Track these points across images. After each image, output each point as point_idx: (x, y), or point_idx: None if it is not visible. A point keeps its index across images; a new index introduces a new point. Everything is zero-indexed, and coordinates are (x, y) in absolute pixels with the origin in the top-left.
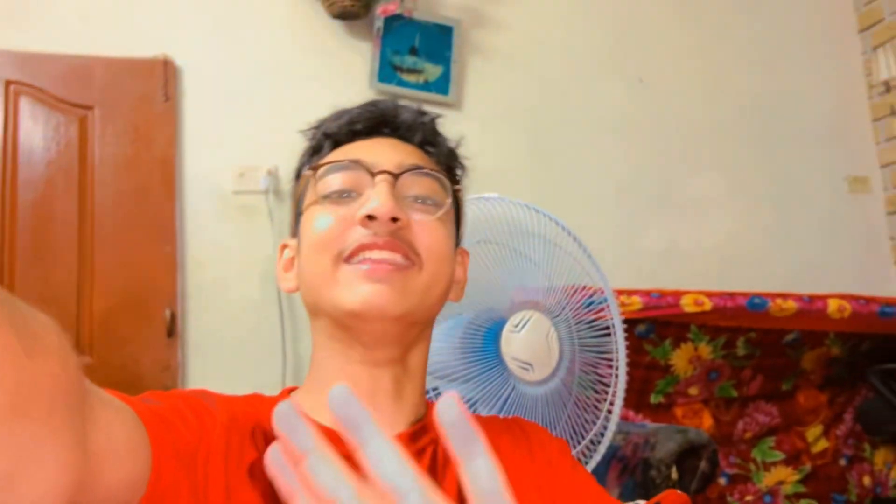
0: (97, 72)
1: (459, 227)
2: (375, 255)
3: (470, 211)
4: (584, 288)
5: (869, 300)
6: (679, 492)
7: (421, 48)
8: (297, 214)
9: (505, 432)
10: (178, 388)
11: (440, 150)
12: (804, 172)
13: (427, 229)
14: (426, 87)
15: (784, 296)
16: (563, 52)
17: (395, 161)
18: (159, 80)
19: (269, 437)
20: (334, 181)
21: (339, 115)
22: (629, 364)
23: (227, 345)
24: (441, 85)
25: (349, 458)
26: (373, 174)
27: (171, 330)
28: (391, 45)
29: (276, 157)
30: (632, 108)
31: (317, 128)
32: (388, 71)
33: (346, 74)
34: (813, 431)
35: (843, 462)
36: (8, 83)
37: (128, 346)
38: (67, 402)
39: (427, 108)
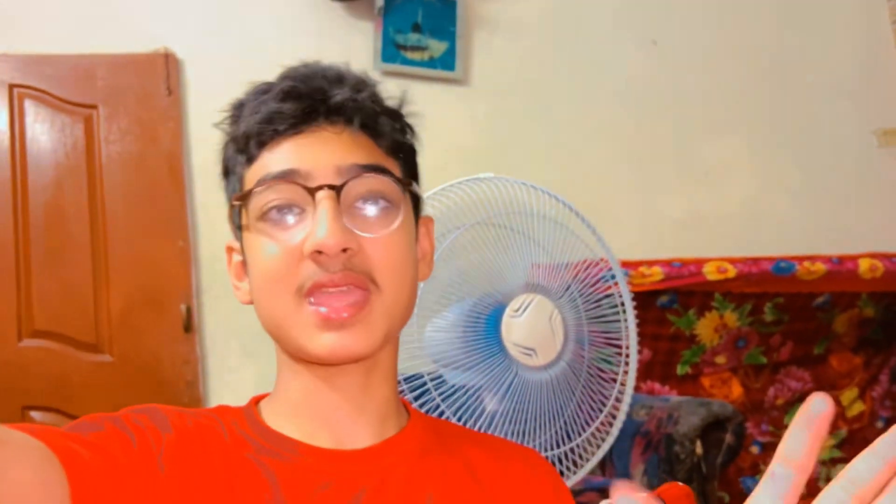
0: (99, 70)
1: (419, 206)
2: (332, 290)
3: (465, 193)
4: (595, 263)
5: None
6: (681, 484)
7: (424, 24)
8: (237, 226)
9: (482, 447)
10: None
11: (386, 128)
12: (830, 127)
13: (382, 247)
14: (431, 63)
15: (812, 258)
16: (570, 17)
17: (334, 163)
18: (161, 74)
19: (234, 441)
20: (269, 198)
21: (257, 104)
22: (652, 336)
23: (245, 336)
24: (447, 61)
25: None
26: (311, 191)
27: (188, 325)
28: (393, 24)
29: None
30: (645, 72)
31: (236, 115)
32: (391, 50)
33: (350, 56)
34: (848, 395)
35: (879, 424)
36: (11, 87)
37: (146, 343)
38: None
39: (433, 85)
